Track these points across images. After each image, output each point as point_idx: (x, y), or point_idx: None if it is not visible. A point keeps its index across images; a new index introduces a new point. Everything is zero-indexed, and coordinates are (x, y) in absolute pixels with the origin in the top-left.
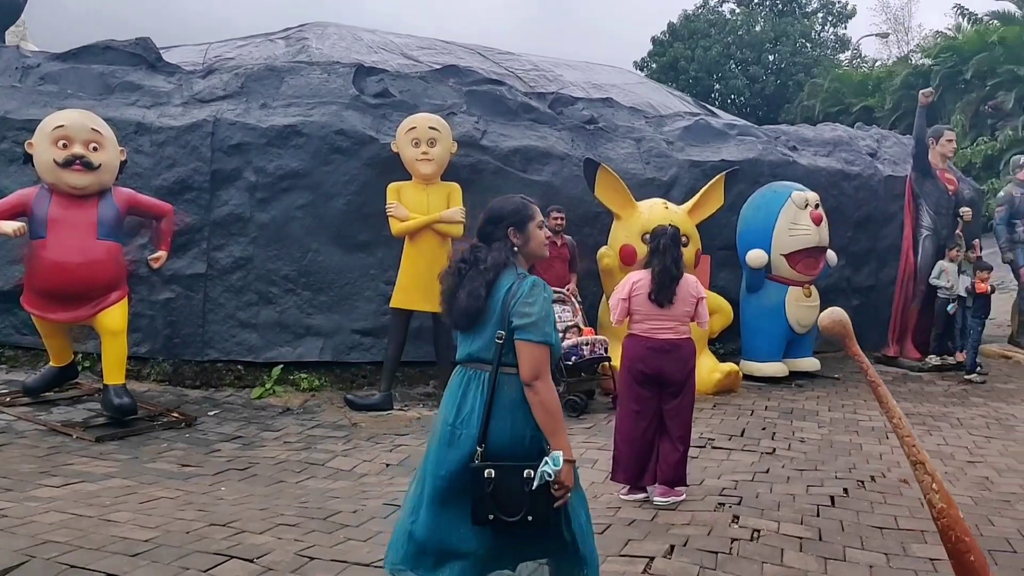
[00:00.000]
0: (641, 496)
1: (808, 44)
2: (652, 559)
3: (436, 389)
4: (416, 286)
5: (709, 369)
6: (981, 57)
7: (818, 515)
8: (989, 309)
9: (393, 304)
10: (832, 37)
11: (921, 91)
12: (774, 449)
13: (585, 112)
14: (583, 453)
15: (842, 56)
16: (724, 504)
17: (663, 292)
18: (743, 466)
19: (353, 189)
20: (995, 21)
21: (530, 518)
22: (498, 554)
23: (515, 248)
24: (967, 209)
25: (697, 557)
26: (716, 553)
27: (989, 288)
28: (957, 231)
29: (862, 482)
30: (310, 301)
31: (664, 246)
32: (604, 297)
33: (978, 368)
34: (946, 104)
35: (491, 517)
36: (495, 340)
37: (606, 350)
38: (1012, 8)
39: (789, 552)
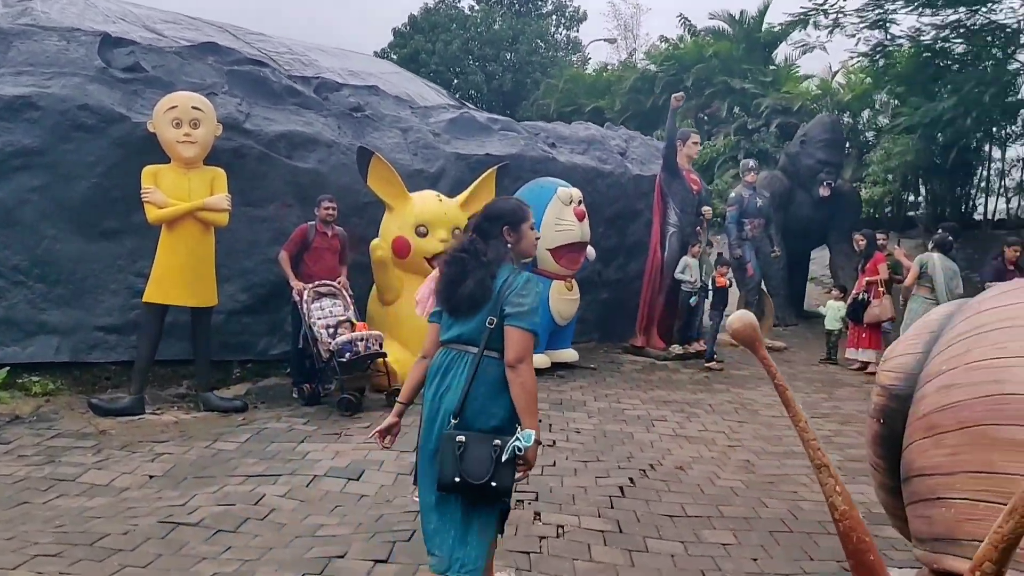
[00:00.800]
0: None
1: (543, 45)
2: None
3: (191, 390)
4: (174, 278)
5: None
6: (699, 67)
7: (612, 507)
8: (727, 302)
9: (146, 298)
10: (565, 39)
11: (673, 95)
12: (554, 441)
13: (351, 99)
14: (366, 455)
15: (574, 58)
16: (523, 501)
17: None
18: None
19: (99, 171)
20: (710, 36)
21: (493, 484)
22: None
23: (508, 245)
24: (708, 208)
25: (510, 558)
26: (528, 553)
27: (728, 282)
28: (699, 228)
29: (643, 471)
30: (44, 295)
31: None
32: (374, 289)
33: (715, 357)
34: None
35: (457, 480)
36: (486, 325)
37: (380, 345)
38: (724, 26)
39: (596, 547)
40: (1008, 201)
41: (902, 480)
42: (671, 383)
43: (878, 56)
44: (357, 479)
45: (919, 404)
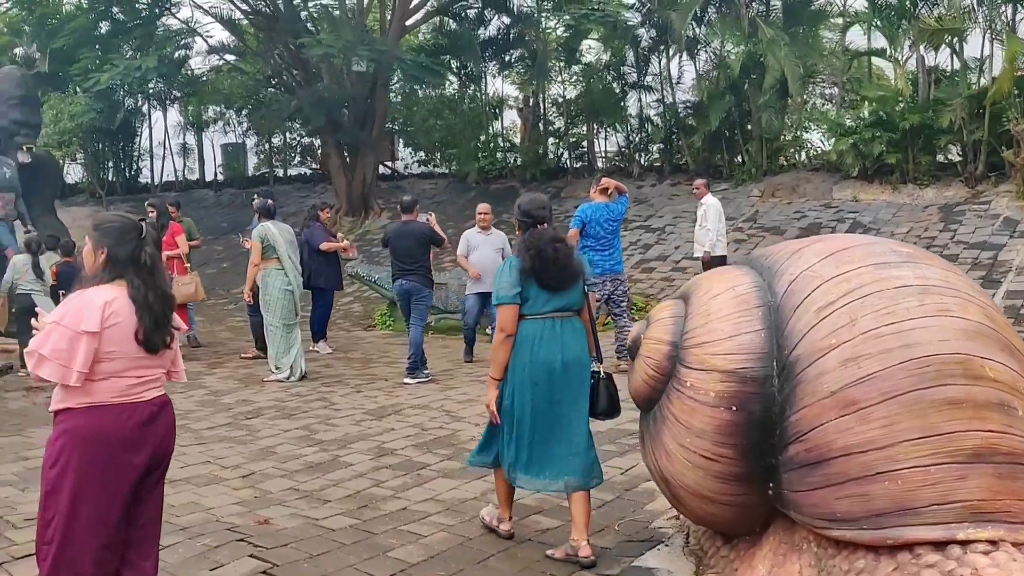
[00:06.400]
0: None
1: None
2: None
3: None
4: None
5: None
6: None
7: None
8: None
9: None
10: None
11: None
12: None
13: None
14: None
15: None
16: None
17: (162, 327)
18: None
19: None
20: None
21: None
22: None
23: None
24: None
25: None
26: None
27: None
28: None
29: (244, 539)
30: None
31: (151, 243)
32: None
33: None
34: None
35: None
36: (584, 293)
37: None
38: None
39: None
40: (174, 163)
41: (807, 464)
42: (29, 417)
43: (31, 3)
44: None
45: (817, 382)
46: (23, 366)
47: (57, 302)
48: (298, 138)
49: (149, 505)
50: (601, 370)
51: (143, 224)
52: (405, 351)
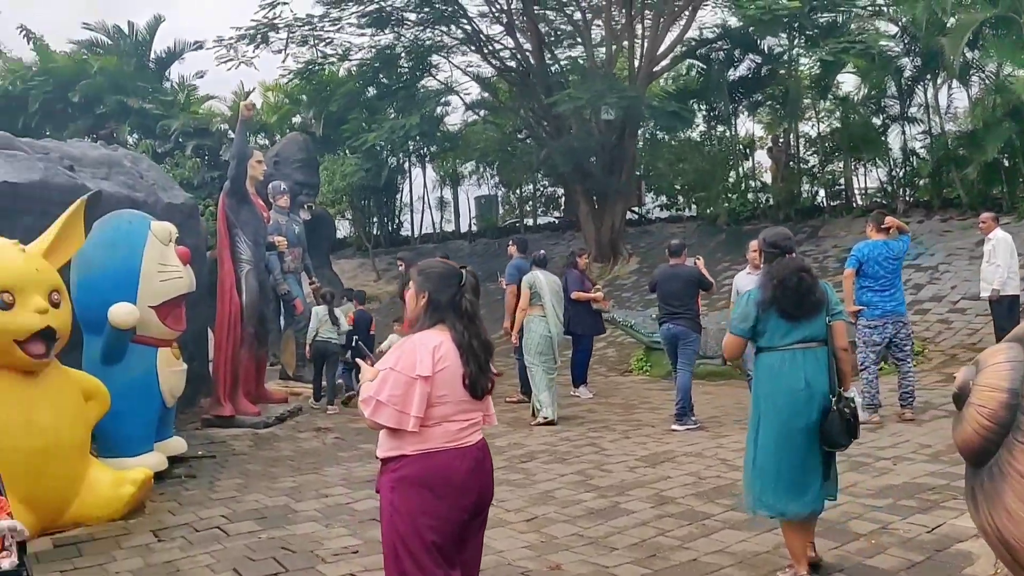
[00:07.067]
0: None
1: None
2: None
3: None
4: None
5: (113, 482)
6: (85, 84)
7: None
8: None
9: None
10: None
11: (243, 103)
12: None
13: None
14: None
15: None
16: None
17: (485, 372)
18: None
19: None
20: (85, 51)
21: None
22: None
23: None
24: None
25: None
26: None
27: None
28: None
29: None
30: None
31: (471, 289)
32: None
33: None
34: (46, 131)
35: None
36: (827, 324)
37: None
38: (103, 38)
39: None
40: (432, 216)
41: None
42: (322, 456)
43: (310, 74)
44: None
45: None
46: (316, 405)
47: (350, 346)
48: (542, 188)
49: (473, 550)
50: (834, 401)
51: (464, 271)
52: (666, 396)
